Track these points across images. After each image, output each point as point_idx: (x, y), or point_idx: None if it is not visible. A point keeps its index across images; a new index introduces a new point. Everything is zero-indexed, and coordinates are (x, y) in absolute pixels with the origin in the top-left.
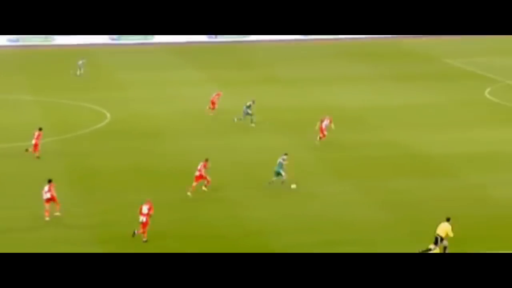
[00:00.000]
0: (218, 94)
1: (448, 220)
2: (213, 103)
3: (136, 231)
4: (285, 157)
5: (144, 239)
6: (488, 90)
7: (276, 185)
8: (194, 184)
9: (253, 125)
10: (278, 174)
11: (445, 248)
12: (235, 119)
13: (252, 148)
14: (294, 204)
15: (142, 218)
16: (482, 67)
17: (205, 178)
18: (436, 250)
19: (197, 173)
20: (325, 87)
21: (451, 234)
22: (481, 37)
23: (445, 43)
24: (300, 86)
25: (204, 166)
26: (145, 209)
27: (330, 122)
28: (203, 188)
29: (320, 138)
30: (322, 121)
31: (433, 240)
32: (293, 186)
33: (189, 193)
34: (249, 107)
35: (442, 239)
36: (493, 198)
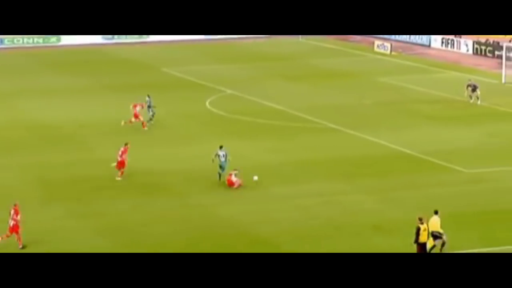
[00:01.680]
0: (137, 105)
1: (436, 213)
2: (136, 116)
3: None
4: (224, 150)
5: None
6: (209, 100)
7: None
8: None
9: (152, 122)
10: (221, 167)
11: (443, 243)
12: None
13: None
14: None
15: (10, 222)
16: (201, 76)
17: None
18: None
19: (119, 159)
20: (31, 102)
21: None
22: (196, 43)
23: (162, 50)
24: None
25: (125, 151)
26: (13, 213)
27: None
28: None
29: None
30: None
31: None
32: (255, 178)
33: (118, 178)
34: (149, 106)
35: (439, 234)
36: (219, 217)
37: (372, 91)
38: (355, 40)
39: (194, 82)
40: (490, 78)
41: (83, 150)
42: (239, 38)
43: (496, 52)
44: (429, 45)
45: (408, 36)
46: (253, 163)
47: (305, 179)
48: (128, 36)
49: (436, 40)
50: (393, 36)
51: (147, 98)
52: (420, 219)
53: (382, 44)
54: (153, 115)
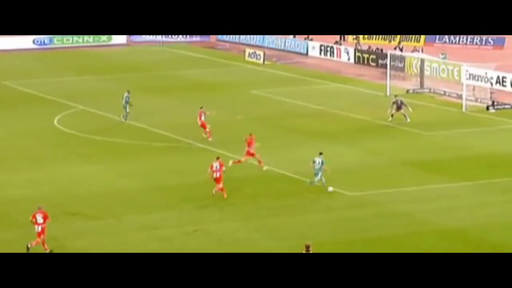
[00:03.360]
0: (201, 113)
1: None
2: (204, 125)
3: (29, 245)
4: (322, 156)
5: (47, 250)
6: (57, 117)
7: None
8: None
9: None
10: (316, 174)
11: None
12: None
13: None
14: None
15: (38, 228)
16: (48, 89)
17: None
18: None
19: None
20: None
21: None
22: (43, 52)
23: (0, 60)
24: None
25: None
26: (39, 218)
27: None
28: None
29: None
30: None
31: None
32: (330, 188)
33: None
34: (127, 102)
35: None
36: (72, 251)
37: (244, 105)
38: (224, 48)
39: (40, 96)
40: (373, 90)
41: None
42: (93, 46)
43: (380, 61)
44: (307, 54)
45: (283, 43)
46: (107, 189)
47: (168, 207)
48: None
49: (314, 48)
50: (266, 44)
51: (126, 94)
52: (307, 247)
53: (254, 53)
54: (128, 111)
